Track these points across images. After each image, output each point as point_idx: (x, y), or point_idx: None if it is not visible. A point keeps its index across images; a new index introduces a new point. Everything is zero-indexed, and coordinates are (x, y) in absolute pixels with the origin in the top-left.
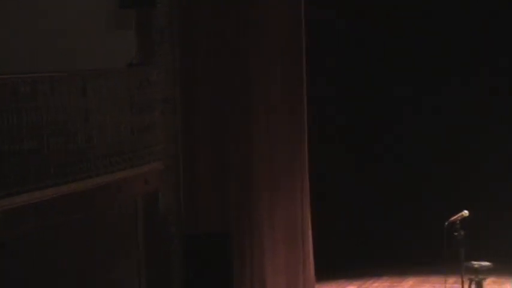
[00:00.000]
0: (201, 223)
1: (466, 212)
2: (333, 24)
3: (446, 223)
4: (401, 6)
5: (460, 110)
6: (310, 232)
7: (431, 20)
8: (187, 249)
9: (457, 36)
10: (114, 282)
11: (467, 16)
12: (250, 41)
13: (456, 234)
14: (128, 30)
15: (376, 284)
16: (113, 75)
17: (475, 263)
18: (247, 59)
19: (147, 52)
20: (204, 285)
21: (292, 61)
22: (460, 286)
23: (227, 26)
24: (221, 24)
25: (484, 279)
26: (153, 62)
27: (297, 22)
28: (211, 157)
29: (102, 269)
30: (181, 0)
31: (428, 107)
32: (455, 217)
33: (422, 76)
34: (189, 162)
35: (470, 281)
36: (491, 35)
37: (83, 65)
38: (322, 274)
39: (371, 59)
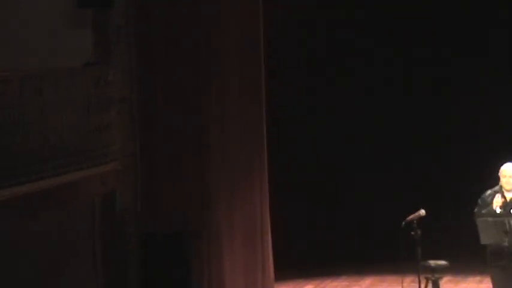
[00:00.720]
0: (159, 223)
1: (422, 211)
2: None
3: (403, 222)
4: None
5: (416, 108)
6: (269, 232)
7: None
8: (145, 249)
9: None
10: (71, 282)
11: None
12: (206, 40)
13: (413, 233)
14: (84, 29)
15: (334, 284)
16: (70, 74)
17: (432, 262)
18: (204, 58)
19: (103, 51)
20: (161, 284)
21: (250, 59)
22: (417, 285)
23: (183, 25)
24: (177, 22)
25: (441, 278)
26: (109, 61)
27: (254, 17)
28: (168, 157)
29: (59, 269)
30: (138, 0)
31: (382, 104)
32: (412, 216)
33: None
34: (147, 162)
35: (427, 280)
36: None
37: (39, 64)
38: (281, 274)
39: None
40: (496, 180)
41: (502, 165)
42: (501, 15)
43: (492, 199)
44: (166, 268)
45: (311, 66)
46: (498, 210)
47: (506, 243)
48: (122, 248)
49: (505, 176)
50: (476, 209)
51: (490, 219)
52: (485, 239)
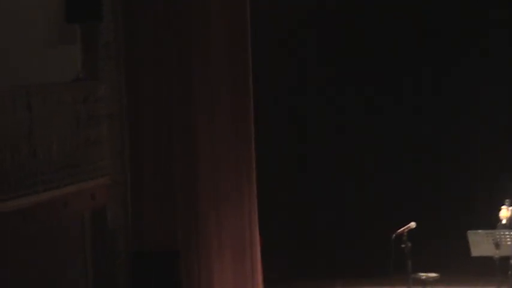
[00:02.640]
0: (148, 239)
1: (413, 224)
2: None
3: (393, 235)
4: None
5: (409, 120)
6: (258, 246)
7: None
8: (134, 266)
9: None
10: None
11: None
12: (195, 55)
13: (403, 246)
14: (73, 44)
15: None
16: (59, 89)
17: (422, 274)
18: (192, 74)
19: (92, 67)
20: None
21: (239, 74)
22: None
23: (171, 40)
24: (166, 38)
25: None
26: (98, 76)
27: (243, 32)
28: (158, 173)
29: (48, 286)
30: (126, 16)
31: (376, 118)
32: (402, 229)
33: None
34: (136, 178)
35: None
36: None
37: (28, 79)
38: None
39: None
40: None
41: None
42: None
43: None
44: (155, 285)
45: (302, 79)
46: (504, 221)
47: (497, 256)
48: (111, 265)
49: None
50: None
51: (480, 231)
52: (476, 251)
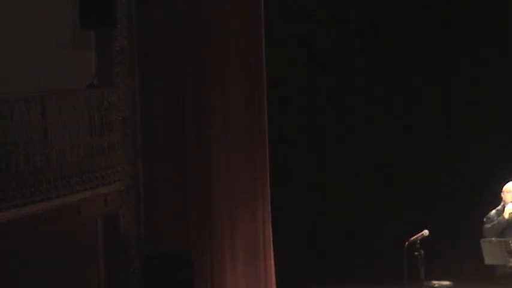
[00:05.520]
0: (161, 244)
1: (426, 232)
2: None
3: (406, 243)
4: None
5: (420, 128)
6: (271, 250)
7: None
8: (147, 271)
9: None
10: None
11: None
12: (209, 61)
13: (416, 253)
14: (87, 51)
15: None
16: (73, 96)
17: (435, 282)
18: (206, 79)
19: (107, 73)
20: None
21: (253, 80)
22: None
23: (186, 46)
24: (180, 44)
25: None
26: (113, 83)
27: (256, 23)
28: (171, 177)
29: None
30: (140, 21)
31: (387, 125)
32: (415, 237)
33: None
34: (149, 183)
35: None
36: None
37: (43, 85)
38: None
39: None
40: (499, 200)
41: (503, 185)
42: None
43: (498, 216)
44: None
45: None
46: (506, 216)
47: (511, 264)
48: (125, 270)
49: (510, 191)
50: (484, 225)
51: (494, 239)
52: (489, 259)
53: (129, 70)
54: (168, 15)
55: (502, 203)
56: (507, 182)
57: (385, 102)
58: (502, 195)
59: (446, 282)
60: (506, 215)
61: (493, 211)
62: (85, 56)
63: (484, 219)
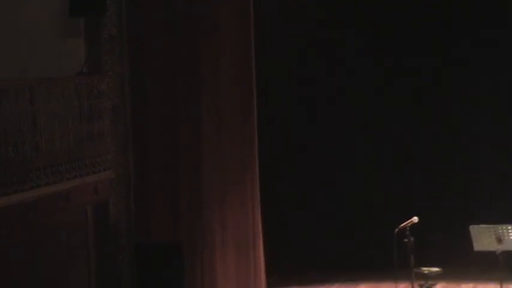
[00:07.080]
0: (151, 233)
1: (415, 219)
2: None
3: (396, 229)
4: None
5: (411, 118)
6: (261, 240)
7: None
8: (138, 260)
9: None
10: None
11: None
12: (200, 49)
13: (406, 240)
14: (77, 38)
15: None
16: (62, 84)
17: (425, 268)
18: (197, 67)
19: (96, 61)
20: None
21: (244, 70)
22: None
23: (176, 34)
24: (170, 31)
25: (434, 284)
26: (102, 70)
27: (245, 15)
28: (161, 166)
29: (51, 280)
30: (129, 9)
31: (378, 116)
32: (405, 223)
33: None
34: (140, 172)
35: (420, 286)
36: None
37: (32, 73)
38: (274, 282)
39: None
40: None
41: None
42: None
43: None
44: (159, 279)
45: (303, 73)
46: None
47: (499, 250)
48: (115, 259)
49: None
50: None
51: (483, 226)
52: (478, 246)
53: (118, 58)
54: (157, 3)
55: None
56: None
57: (383, 83)
58: None
59: (436, 269)
60: None
61: None
62: (74, 44)
63: None
